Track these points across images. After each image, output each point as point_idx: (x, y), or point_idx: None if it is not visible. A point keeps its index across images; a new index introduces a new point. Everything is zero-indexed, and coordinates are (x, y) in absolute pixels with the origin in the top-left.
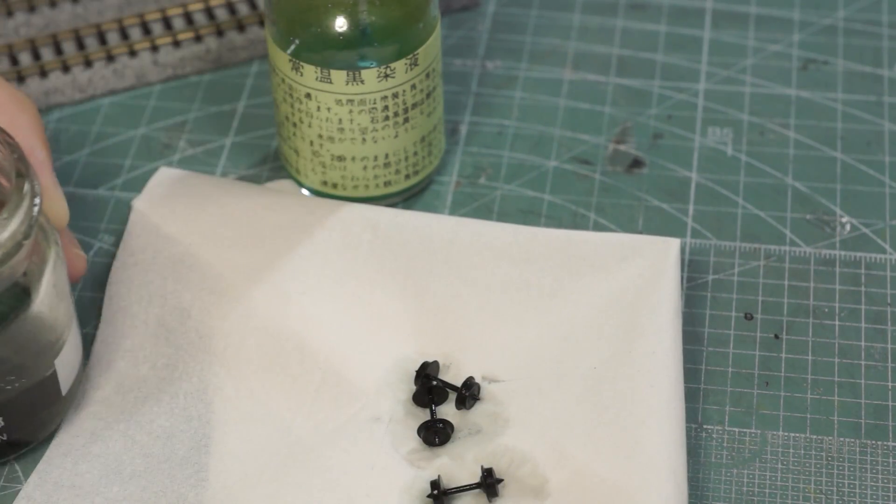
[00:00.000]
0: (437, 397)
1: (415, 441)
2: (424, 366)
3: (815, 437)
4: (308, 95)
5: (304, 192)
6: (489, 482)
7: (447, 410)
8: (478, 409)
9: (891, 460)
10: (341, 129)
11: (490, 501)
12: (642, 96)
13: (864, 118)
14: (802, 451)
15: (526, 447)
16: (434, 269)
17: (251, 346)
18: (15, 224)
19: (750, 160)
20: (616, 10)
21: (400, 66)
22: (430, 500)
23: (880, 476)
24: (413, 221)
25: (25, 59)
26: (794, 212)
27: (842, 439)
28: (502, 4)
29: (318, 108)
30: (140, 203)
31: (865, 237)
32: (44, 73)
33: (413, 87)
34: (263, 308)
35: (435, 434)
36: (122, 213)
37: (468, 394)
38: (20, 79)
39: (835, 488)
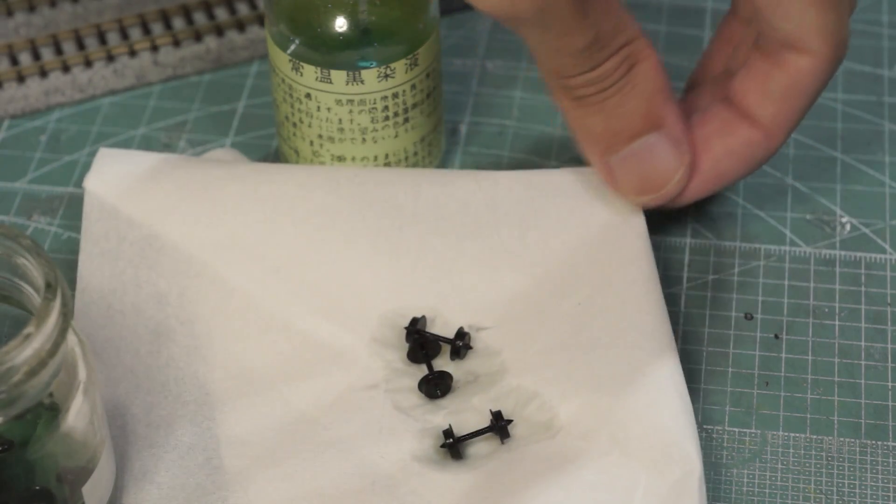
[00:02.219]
0: (430, 352)
1: (417, 397)
2: (414, 321)
3: (815, 437)
4: (308, 95)
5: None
6: (500, 424)
7: (441, 364)
8: (472, 357)
9: (891, 460)
10: (341, 129)
11: (503, 443)
12: None
13: (864, 118)
14: (802, 451)
15: (529, 386)
16: (404, 225)
17: (236, 328)
18: (40, 341)
19: None
20: None
21: (400, 66)
22: (444, 450)
23: (880, 476)
24: (374, 178)
25: (25, 59)
26: (794, 212)
27: (842, 439)
28: None
29: (318, 108)
30: (92, 184)
31: (865, 237)
32: (44, 73)
33: (413, 87)
34: (241, 287)
35: (436, 386)
36: None
37: (462, 343)
38: (20, 79)
39: (835, 488)
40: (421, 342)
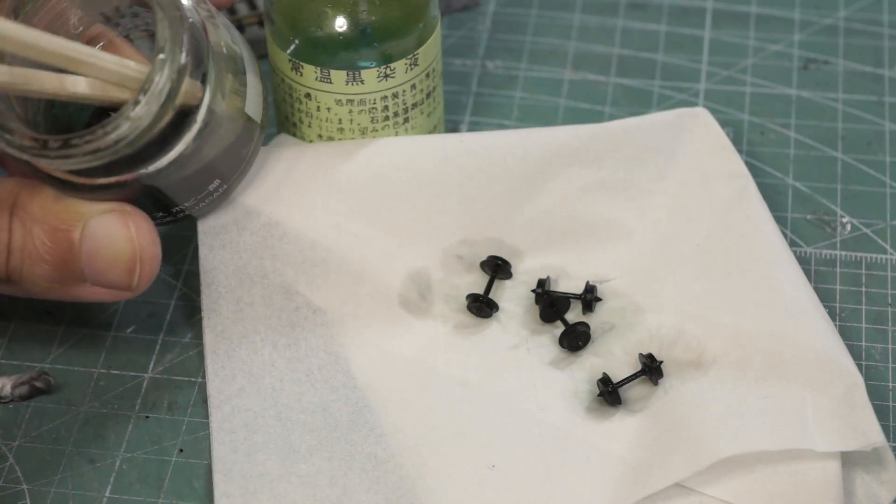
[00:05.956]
0: (561, 308)
1: (559, 352)
2: (541, 283)
3: None
4: (308, 95)
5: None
6: (654, 366)
7: (572, 319)
8: (602, 308)
9: None
10: (341, 129)
11: (657, 384)
12: (642, 96)
13: (864, 118)
14: None
15: (670, 327)
16: (515, 188)
17: (368, 312)
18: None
19: (750, 160)
20: (616, 10)
21: (400, 66)
22: (600, 398)
23: None
24: (480, 142)
25: None
26: (795, 212)
27: None
28: (502, 4)
29: (318, 108)
30: None
31: (866, 237)
32: None
33: (413, 87)
34: (369, 270)
35: (577, 338)
36: None
37: (592, 297)
38: None
39: None
40: (551, 301)
